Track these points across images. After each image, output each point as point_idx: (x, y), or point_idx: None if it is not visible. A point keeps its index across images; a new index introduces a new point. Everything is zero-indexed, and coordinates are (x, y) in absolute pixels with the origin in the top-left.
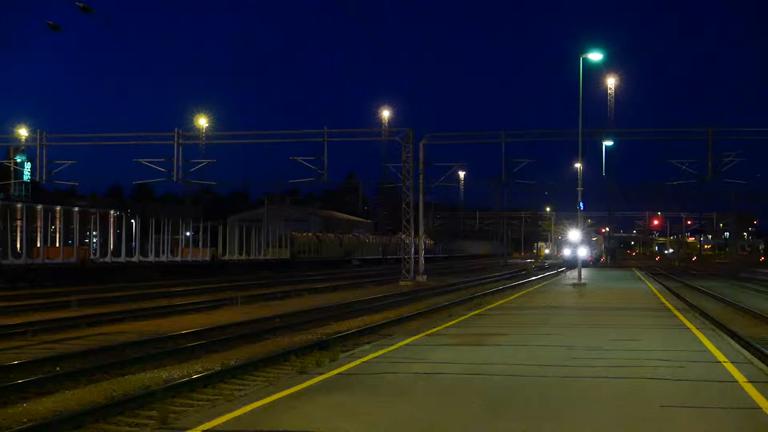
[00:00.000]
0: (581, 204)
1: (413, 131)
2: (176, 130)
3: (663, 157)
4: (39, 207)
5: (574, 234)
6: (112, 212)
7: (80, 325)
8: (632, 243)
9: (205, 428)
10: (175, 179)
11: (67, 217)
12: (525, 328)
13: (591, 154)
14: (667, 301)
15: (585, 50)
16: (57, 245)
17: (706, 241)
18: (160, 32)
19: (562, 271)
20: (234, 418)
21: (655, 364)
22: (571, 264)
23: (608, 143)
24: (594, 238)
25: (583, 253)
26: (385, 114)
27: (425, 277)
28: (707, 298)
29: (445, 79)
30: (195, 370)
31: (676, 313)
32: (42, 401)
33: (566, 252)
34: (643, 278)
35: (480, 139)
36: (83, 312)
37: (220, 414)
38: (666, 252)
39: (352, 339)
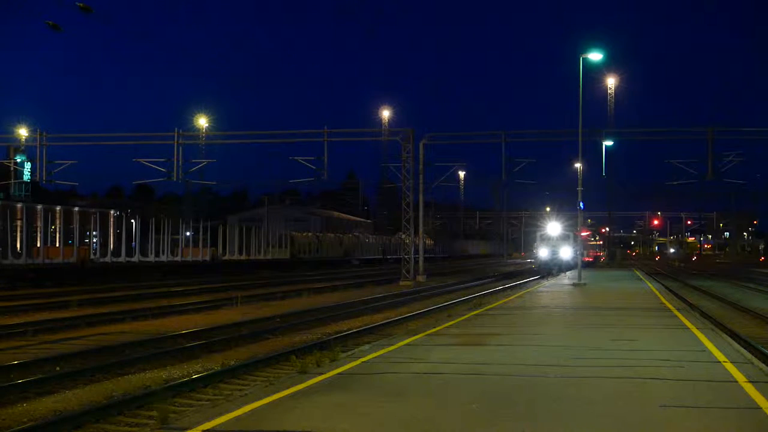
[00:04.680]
0: (581, 204)
1: (413, 131)
2: (176, 130)
3: (663, 157)
4: (39, 207)
5: (553, 227)
6: (112, 212)
7: (80, 325)
8: (632, 243)
9: (205, 428)
10: (175, 179)
11: (67, 217)
12: (525, 328)
13: (591, 154)
14: (667, 301)
15: (585, 50)
16: (57, 245)
17: (706, 241)
18: (160, 32)
19: (538, 279)
20: (234, 417)
21: (655, 364)
22: (551, 269)
23: (608, 143)
24: (594, 240)
25: (567, 253)
26: (385, 114)
27: (425, 277)
28: (707, 297)
29: (445, 79)
30: (195, 370)
31: (676, 313)
32: (42, 401)
33: (542, 252)
34: (643, 278)
35: (480, 139)
36: (83, 312)
37: (221, 414)
38: (670, 251)
39: (352, 339)
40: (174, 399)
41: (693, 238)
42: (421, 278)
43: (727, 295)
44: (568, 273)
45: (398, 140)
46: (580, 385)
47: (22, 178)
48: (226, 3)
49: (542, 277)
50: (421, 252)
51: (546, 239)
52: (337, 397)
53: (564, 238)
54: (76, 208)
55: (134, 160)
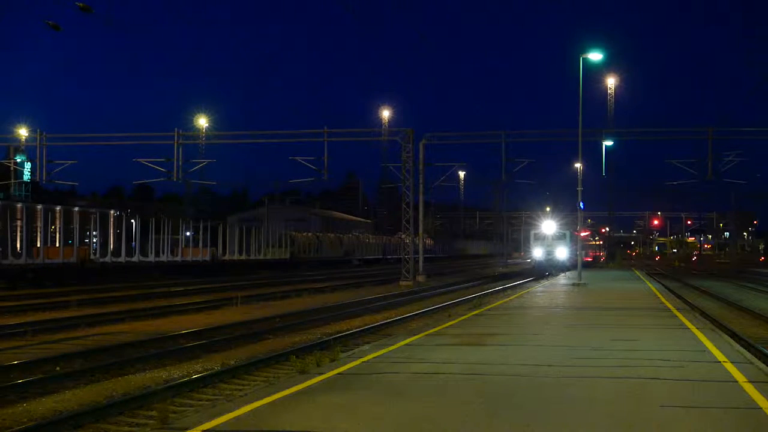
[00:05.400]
0: (581, 204)
1: (413, 131)
2: (176, 130)
3: (663, 157)
4: (39, 207)
5: (548, 226)
6: (112, 212)
7: (80, 325)
8: (632, 243)
9: (205, 428)
10: (175, 179)
11: (67, 217)
12: (525, 328)
13: (591, 154)
14: (667, 301)
15: (585, 50)
16: (57, 245)
17: (706, 241)
18: (161, 32)
19: (537, 279)
20: (234, 417)
21: (655, 364)
22: (545, 270)
23: (608, 143)
24: (594, 240)
25: (563, 253)
26: (385, 114)
27: (425, 277)
28: (707, 297)
29: (445, 79)
30: (195, 370)
31: (676, 313)
32: (42, 401)
33: (537, 252)
34: (643, 278)
35: (480, 139)
36: (83, 312)
37: (220, 414)
38: (672, 251)
39: (352, 339)
40: (174, 399)
41: (693, 238)
42: (420, 278)
43: (727, 295)
44: (567, 273)
45: (398, 140)
46: (581, 385)
47: (22, 178)
48: (226, 3)
49: (540, 278)
50: (420, 252)
51: (540, 238)
52: (337, 397)
53: (560, 237)
54: (76, 208)
55: (134, 160)
